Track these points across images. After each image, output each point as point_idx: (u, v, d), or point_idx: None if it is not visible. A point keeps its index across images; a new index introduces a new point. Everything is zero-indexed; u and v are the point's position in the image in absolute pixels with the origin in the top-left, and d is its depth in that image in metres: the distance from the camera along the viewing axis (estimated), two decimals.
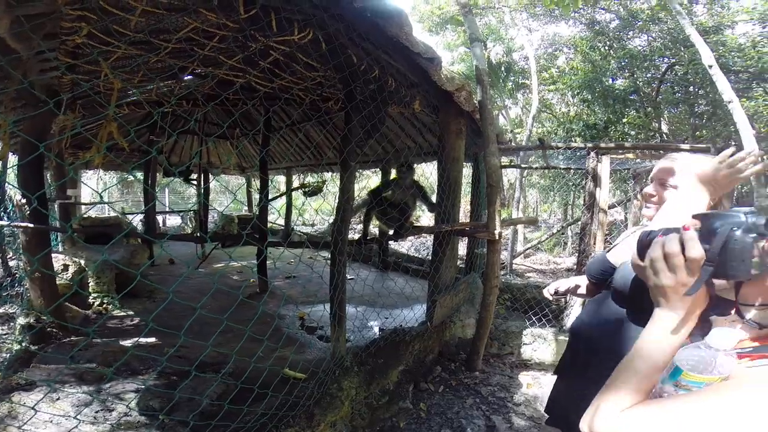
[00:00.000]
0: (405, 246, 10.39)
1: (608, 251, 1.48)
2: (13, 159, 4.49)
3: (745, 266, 0.60)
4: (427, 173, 4.63)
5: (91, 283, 4.10)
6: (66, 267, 3.76)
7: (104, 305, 3.98)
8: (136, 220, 8.12)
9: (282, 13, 1.65)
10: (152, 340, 3.14)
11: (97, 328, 3.36)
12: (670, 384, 0.71)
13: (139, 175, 6.70)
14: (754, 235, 0.60)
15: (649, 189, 1.34)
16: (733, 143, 6.17)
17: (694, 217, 0.69)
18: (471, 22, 3.24)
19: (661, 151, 3.70)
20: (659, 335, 0.71)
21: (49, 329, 2.99)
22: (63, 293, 3.38)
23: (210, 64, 2.37)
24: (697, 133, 7.52)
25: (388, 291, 4.53)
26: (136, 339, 3.13)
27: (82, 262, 3.99)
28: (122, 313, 3.88)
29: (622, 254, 1.37)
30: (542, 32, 12.40)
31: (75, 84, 2.64)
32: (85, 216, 7.16)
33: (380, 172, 6.05)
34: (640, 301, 1.18)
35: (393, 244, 8.31)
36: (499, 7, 12.03)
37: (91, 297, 3.99)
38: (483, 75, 3.12)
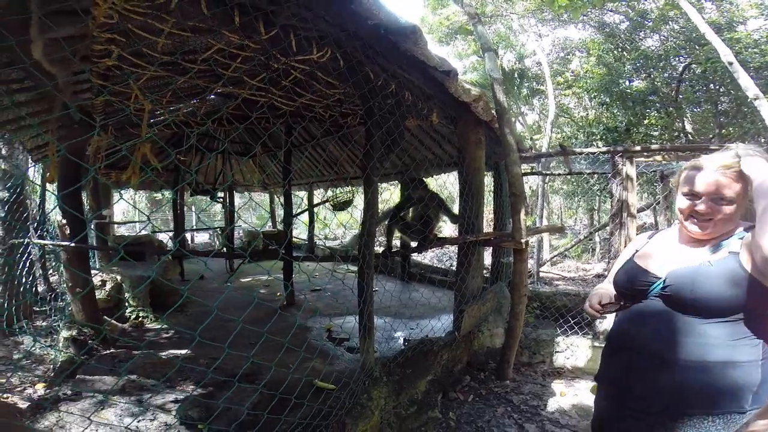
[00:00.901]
0: (428, 257, 10.36)
1: (634, 259, 1.45)
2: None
3: None
4: (447, 184, 4.66)
5: (128, 298, 4.27)
6: (104, 283, 3.94)
7: (140, 319, 4.14)
8: (166, 238, 8.42)
9: (300, 32, 1.72)
10: (186, 351, 3.24)
11: (146, 342, 3.48)
12: None
13: (168, 194, 6.95)
14: None
15: (701, 206, 1.24)
16: (763, 140, 5.96)
17: None
18: (482, 31, 3.29)
19: (689, 152, 3.63)
20: None
21: (90, 342, 3.13)
22: (102, 307, 3.56)
23: (234, 84, 2.48)
24: (723, 131, 7.30)
25: (413, 302, 4.55)
26: (171, 351, 3.25)
27: (119, 277, 4.16)
28: (157, 326, 4.01)
29: (664, 262, 1.34)
30: (552, 37, 12.38)
31: (107, 105, 2.79)
32: (118, 235, 7.49)
33: (400, 185, 6.12)
34: (709, 307, 1.18)
35: (415, 256, 8.32)
36: (507, 14, 12.07)
37: (128, 311, 4.16)
38: (498, 83, 3.16)
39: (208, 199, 6.58)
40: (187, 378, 2.70)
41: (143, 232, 7.41)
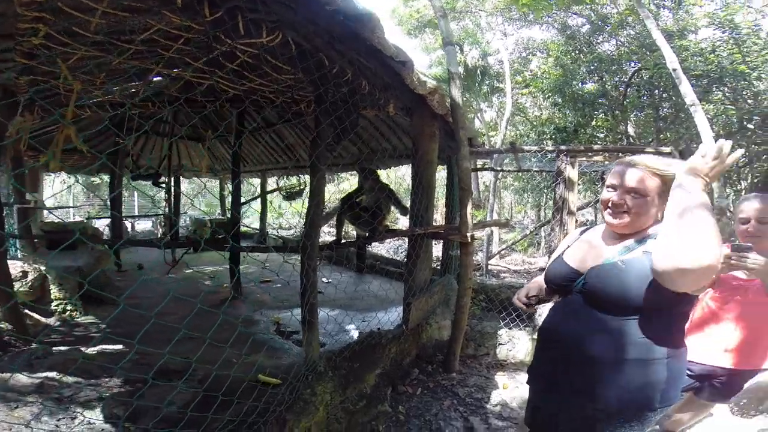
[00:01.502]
0: (384, 248, 10.40)
1: (563, 255, 1.48)
2: None
3: None
4: (406, 176, 4.64)
5: (54, 290, 3.93)
6: (25, 274, 3.59)
7: (68, 313, 3.82)
8: (103, 225, 7.83)
9: (247, 14, 1.61)
10: (119, 347, 3.03)
11: (54, 337, 3.23)
12: None
13: (106, 178, 6.47)
14: None
15: (614, 197, 1.30)
16: (694, 145, 6.46)
17: None
18: (445, 25, 3.27)
19: (628, 154, 3.83)
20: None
21: (7, 338, 2.86)
22: (23, 301, 3.25)
23: (176, 66, 2.30)
24: (661, 135, 7.82)
25: (366, 293, 4.52)
26: (101, 346, 3.02)
27: (43, 268, 3.82)
28: (87, 321, 3.74)
29: (584, 258, 1.38)
30: (517, 36, 12.71)
31: (33, 84, 2.52)
32: (47, 221, 6.85)
33: (358, 175, 6.05)
34: (619, 304, 1.21)
35: (371, 247, 8.31)
36: (477, 11, 12.25)
37: (53, 304, 3.83)
38: (456, 78, 3.16)
39: (151, 184, 6.15)
40: (113, 375, 2.53)
41: (77, 219, 6.85)
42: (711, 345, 2.02)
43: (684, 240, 1.02)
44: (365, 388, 2.70)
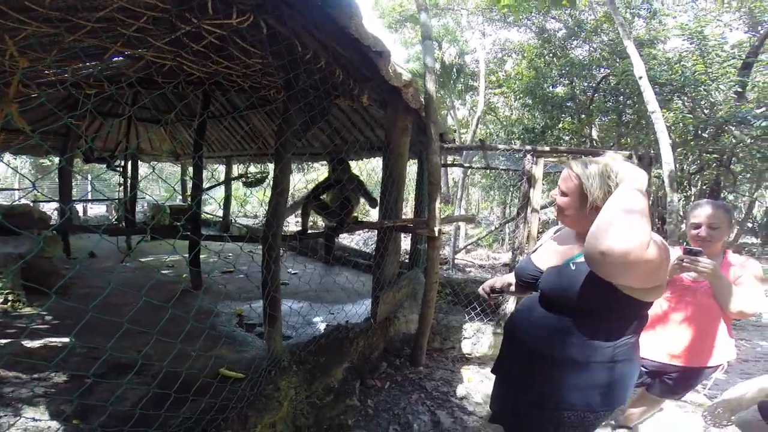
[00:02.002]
0: (354, 240, 10.34)
1: (533, 253, 1.53)
2: None
3: None
4: (376, 168, 4.60)
5: None
6: None
7: (9, 303, 3.54)
8: (51, 209, 7.30)
9: None
10: (65, 340, 2.84)
11: None
12: None
13: (57, 160, 6.03)
14: None
15: (553, 193, 1.39)
16: (652, 151, 6.77)
17: None
18: (424, 20, 3.23)
19: (591, 156, 3.95)
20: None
21: None
22: None
23: (135, 46, 2.14)
24: (623, 140, 8.16)
25: (334, 285, 4.46)
26: (47, 339, 2.82)
27: None
28: (32, 312, 3.49)
29: (547, 258, 1.42)
30: (495, 37, 12.85)
31: None
32: None
33: (329, 165, 5.95)
34: (564, 304, 1.23)
35: (340, 238, 8.23)
36: (458, 9, 12.30)
37: None
38: (431, 72, 3.14)
39: (105, 167, 5.78)
40: (59, 370, 2.36)
41: (22, 202, 6.35)
42: (662, 343, 2.12)
43: (608, 222, 1.04)
44: (333, 382, 2.67)
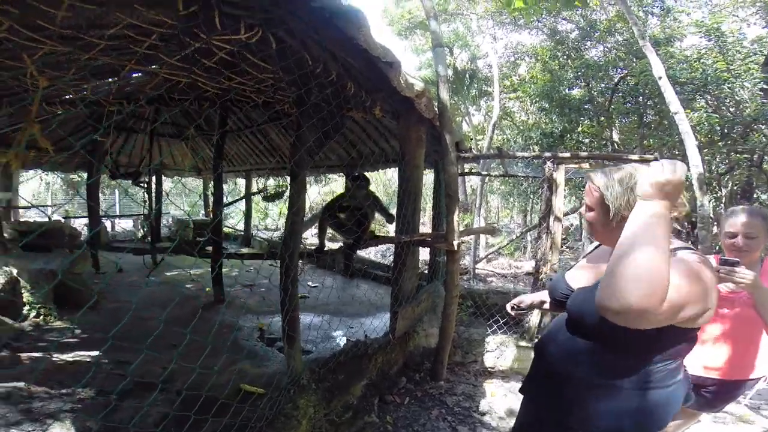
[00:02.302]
0: (372, 252, 10.32)
1: (569, 270, 1.47)
2: None
3: None
4: (392, 180, 4.59)
5: (26, 294, 3.76)
6: None
7: (41, 317, 3.66)
8: (81, 225, 7.57)
9: (223, 7, 1.51)
10: (95, 354, 2.91)
11: (25, 343, 3.09)
12: None
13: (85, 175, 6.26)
14: None
15: (581, 209, 1.37)
16: (677, 152, 6.53)
17: None
18: (434, 27, 3.22)
19: (614, 161, 3.83)
20: None
21: None
22: None
23: (150, 63, 2.20)
24: (645, 142, 7.90)
25: (354, 299, 4.44)
26: (77, 353, 2.92)
27: (15, 271, 3.65)
28: (62, 325, 3.61)
29: (580, 276, 1.36)
30: (506, 40, 12.74)
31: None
32: (21, 221, 6.60)
33: (345, 177, 5.98)
34: (589, 329, 1.15)
35: (359, 251, 8.23)
36: (468, 14, 12.27)
37: (25, 309, 3.67)
38: (444, 81, 3.10)
39: (130, 183, 5.97)
40: (87, 385, 2.41)
41: (54, 218, 6.60)
42: (700, 356, 2.01)
43: (610, 274, 0.91)
44: (351, 399, 2.64)
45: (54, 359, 2.79)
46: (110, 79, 2.51)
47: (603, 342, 1.14)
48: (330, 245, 4.01)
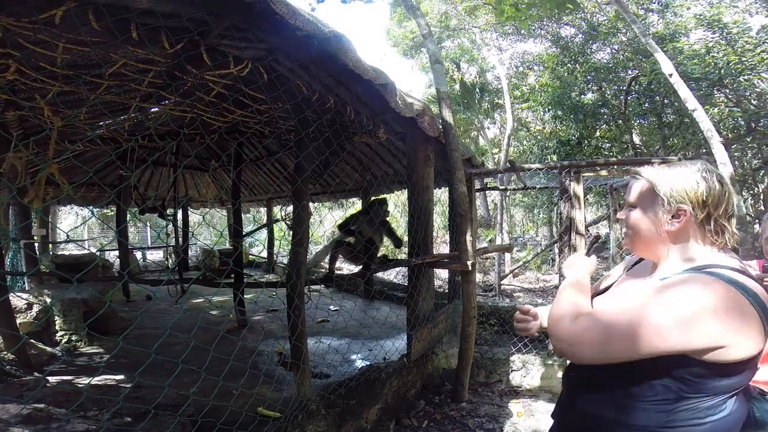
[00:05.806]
0: (392, 273, 10.25)
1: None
2: None
3: None
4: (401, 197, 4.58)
5: (58, 321, 3.97)
6: (30, 306, 3.68)
7: (72, 343, 3.86)
8: (114, 257, 7.92)
9: (211, 42, 1.57)
10: (120, 377, 2.99)
11: (55, 367, 3.25)
12: None
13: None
14: None
15: (620, 213, 1.14)
16: (704, 150, 6.24)
17: None
18: (430, 46, 3.24)
19: (634, 167, 3.67)
20: None
21: (8, 368, 2.88)
22: (29, 331, 3.40)
23: (159, 100, 2.32)
24: (668, 142, 7.61)
25: (373, 321, 4.39)
26: (105, 377, 3.01)
27: (48, 300, 3.87)
28: (91, 351, 3.79)
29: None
30: (512, 51, 12.70)
31: (24, 120, 2.57)
32: (58, 254, 6.99)
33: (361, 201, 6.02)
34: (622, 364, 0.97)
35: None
36: (470, 27, 12.35)
37: (58, 335, 3.87)
38: (445, 98, 3.10)
39: (157, 216, 6.23)
40: (103, 408, 2.47)
41: (89, 251, 6.95)
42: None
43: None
44: (365, 424, 2.58)
45: (78, 382, 2.88)
46: (121, 117, 2.66)
47: (616, 371, 1.00)
48: (351, 268, 4.02)
